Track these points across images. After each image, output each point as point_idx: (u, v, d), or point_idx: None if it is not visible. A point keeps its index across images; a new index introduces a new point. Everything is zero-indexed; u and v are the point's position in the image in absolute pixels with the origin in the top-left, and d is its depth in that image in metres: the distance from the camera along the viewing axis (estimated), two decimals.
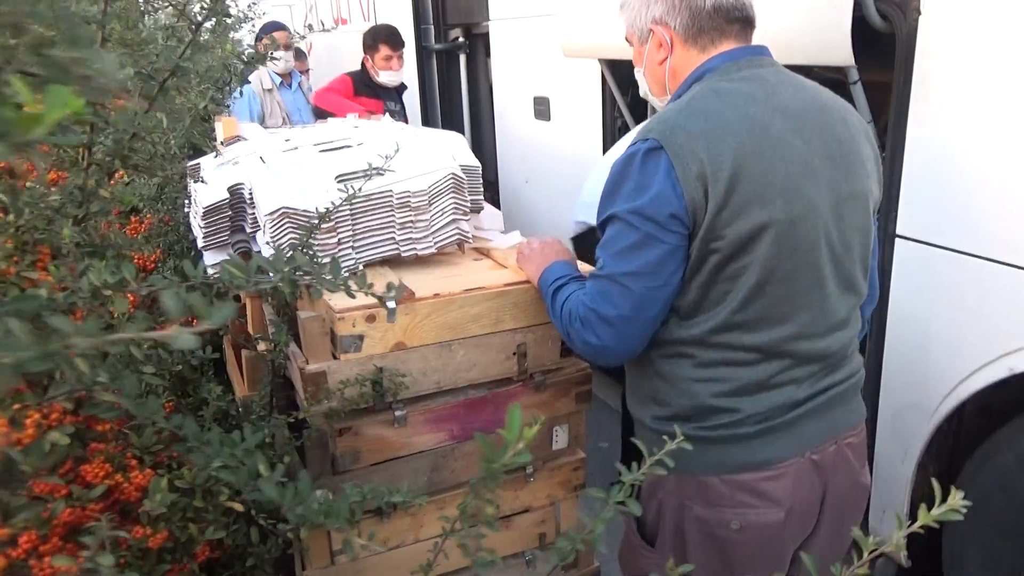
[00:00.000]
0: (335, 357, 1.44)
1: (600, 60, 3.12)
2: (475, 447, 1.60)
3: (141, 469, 1.25)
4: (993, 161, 1.79)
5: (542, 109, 3.79)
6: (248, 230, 1.64)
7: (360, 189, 1.48)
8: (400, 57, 4.23)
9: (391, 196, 1.57)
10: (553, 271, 1.44)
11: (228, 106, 3.17)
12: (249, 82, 4.47)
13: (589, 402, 1.70)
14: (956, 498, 0.82)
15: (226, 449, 0.98)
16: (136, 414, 0.94)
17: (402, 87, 4.41)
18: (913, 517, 2.48)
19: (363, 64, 4.28)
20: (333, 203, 1.47)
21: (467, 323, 1.52)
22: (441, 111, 5.10)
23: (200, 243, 1.62)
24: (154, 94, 1.20)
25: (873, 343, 2.18)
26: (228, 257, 1.64)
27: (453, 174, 1.61)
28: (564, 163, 3.67)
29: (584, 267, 1.52)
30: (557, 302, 1.38)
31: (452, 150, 1.78)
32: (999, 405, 2.09)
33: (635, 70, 1.44)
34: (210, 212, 1.60)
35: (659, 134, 1.19)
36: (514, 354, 1.58)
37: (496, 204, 4.50)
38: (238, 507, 1.23)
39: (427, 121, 5.02)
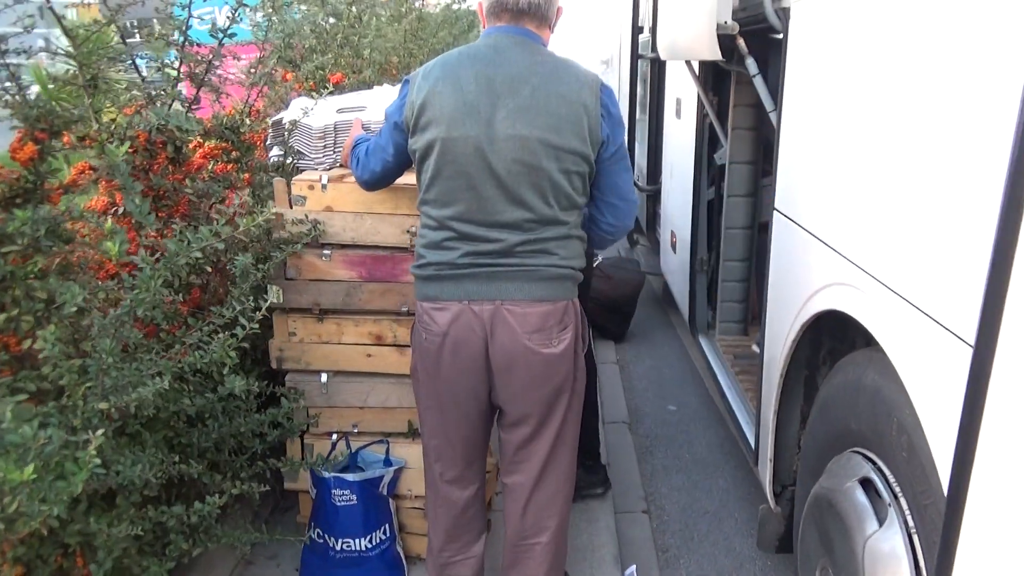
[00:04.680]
0: (291, 207, 2.44)
1: (687, 61, 3.65)
2: (378, 286, 2.48)
3: None
4: (823, 154, 2.13)
5: (678, 108, 4.36)
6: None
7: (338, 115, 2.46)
8: None
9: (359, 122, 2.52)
10: (357, 140, 2.24)
11: None
12: None
13: None
14: None
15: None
16: None
17: None
18: (776, 454, 2.85)
19: None
20: (326, 124, 2.48)
21: (374, 203, 2.42)
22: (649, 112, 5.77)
23: (268, 142, 2.75)
24: None
25: (762, 303, 2.56)
26: (281, 151, 2.72)
27: None
28: (690, 156, 4.20)
29: None
30: (352, 155, 2.21)
31: None
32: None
33: None
34: (273, 125, 2.71)
35: (413, 73, 1.96)
36: (407, 231, 2.43)
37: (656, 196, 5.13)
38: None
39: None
